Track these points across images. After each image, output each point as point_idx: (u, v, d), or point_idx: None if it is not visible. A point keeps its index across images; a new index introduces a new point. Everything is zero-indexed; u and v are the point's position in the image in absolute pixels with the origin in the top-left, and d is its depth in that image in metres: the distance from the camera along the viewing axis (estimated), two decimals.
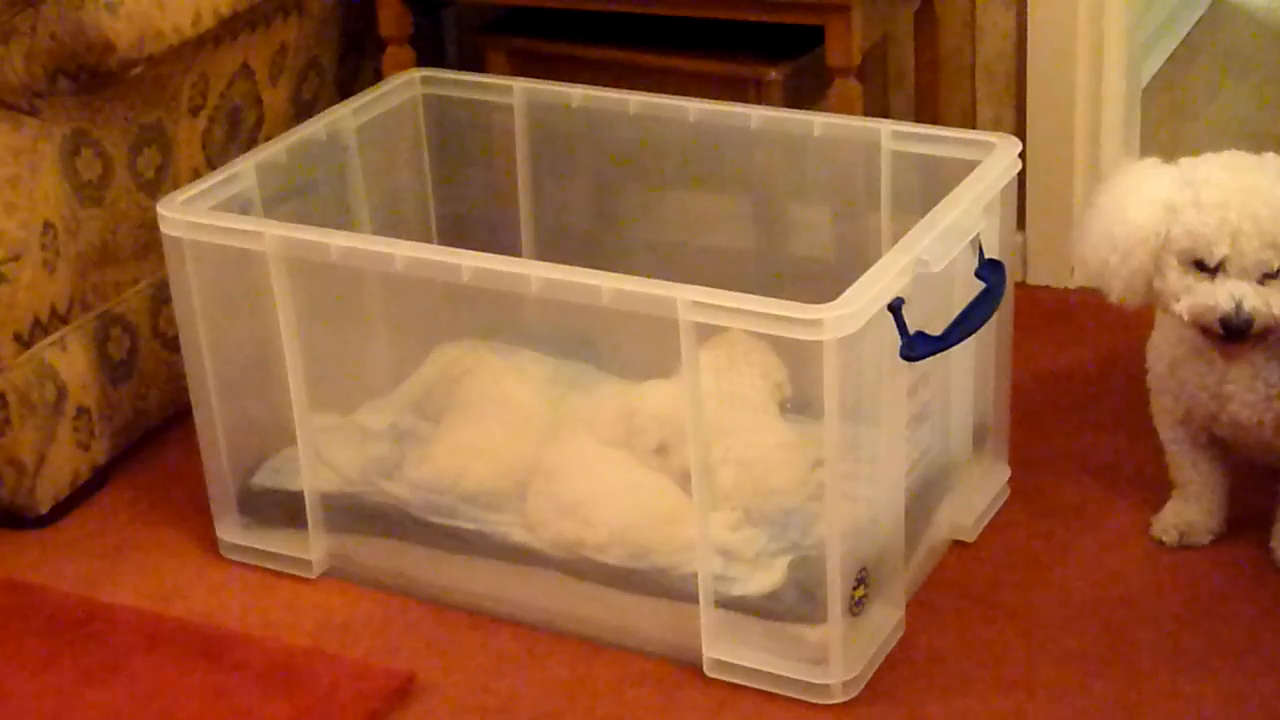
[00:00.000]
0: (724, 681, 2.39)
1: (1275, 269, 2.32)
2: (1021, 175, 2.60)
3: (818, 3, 2.84)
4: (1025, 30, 3.21)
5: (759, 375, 2.60)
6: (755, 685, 2.38)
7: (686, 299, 2.24)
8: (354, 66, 3.36)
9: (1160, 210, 2.37)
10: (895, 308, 2.24)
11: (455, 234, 3.01)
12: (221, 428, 2.65)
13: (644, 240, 3.07)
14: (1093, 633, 2.45)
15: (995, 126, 3.27)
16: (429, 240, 3.01)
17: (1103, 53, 3.20)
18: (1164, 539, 2.61)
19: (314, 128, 2.80)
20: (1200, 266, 2.35)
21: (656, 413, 2.55)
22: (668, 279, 2.28)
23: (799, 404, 2.60)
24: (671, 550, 2.45)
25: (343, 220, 2.85)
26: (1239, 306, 2.31)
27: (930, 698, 2.36)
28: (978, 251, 2.42)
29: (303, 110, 3.18)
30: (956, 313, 2.36)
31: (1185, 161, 2.42)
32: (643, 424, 2.57)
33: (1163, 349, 2.54)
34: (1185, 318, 2.36)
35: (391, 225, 2.90)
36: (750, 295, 2.22)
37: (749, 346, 2.56)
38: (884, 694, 2.36)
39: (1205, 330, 2.37)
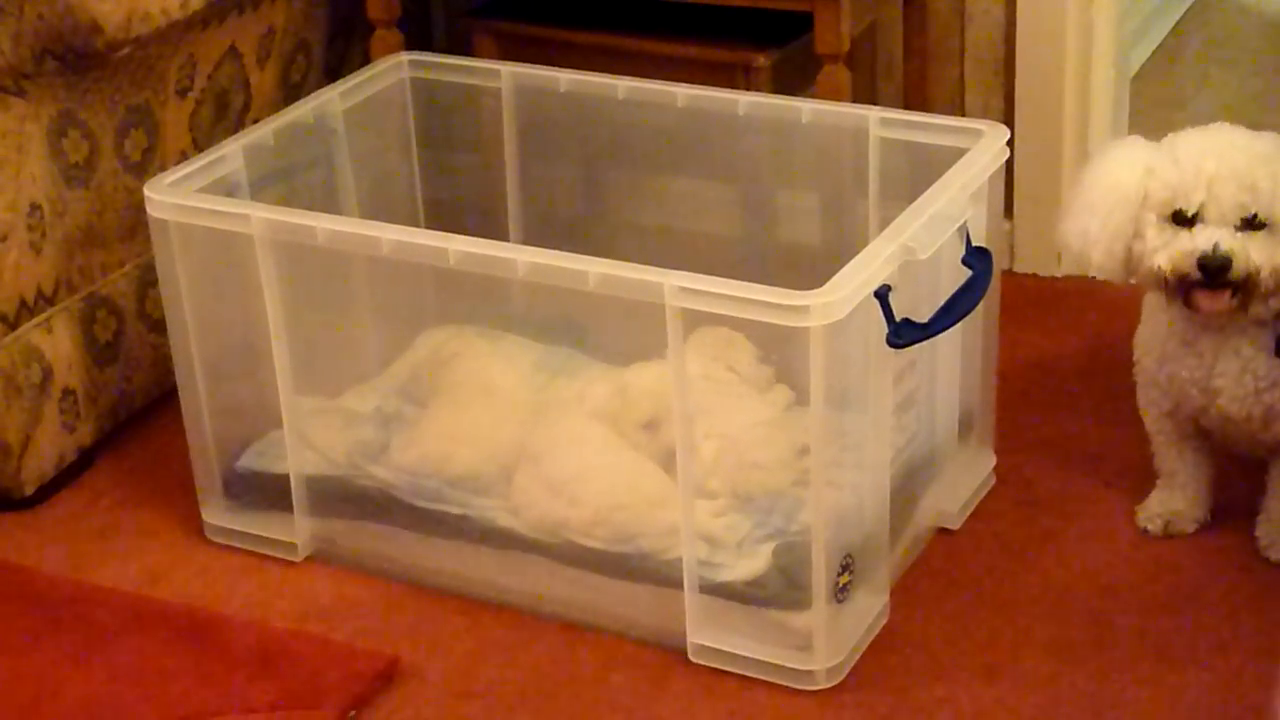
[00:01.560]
0: (708, 667, 2.40)
1: (1253, 215, 2.33)
2: (1009, 163, 2.60)
3: None
4: (1014, 18, 3.21)
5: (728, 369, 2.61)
6: (739, 671, 2.38)
7: (673, 284, 2.24)
8: (342, 49, 3.35)
9: (1140, 172, 2.40)
10: (882, 295, 2.24)
11: (442, 218, 3.00)
12: (207, 410, 2.65)
13: (631, 225, 3.07)
14: (1076, 621, 2.46)
15: (984, 114, 3.27)
16: (416, 224, 3.01)
17: (1092, 41, 3.20)
18: (1149, 528, 2.61)
19: (301, 110, 2.80)
20: (1179, 220, 2.36)
21: (650, 388, 2.55)
22: (655, 264, 2.28)
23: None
24: (656, 534, 2.45)
25: (330, 203, 2.85)
26: (1216, 246, 2.32)
27: (913, 684, 2.36)
28: (965, 239, 2.42)
29: (290, 93, 3.18)
30: (943, 300, 2.36)
31: (1167, 138, 2.45)
32: (636, 398, 2.57)
33: (1150, 343, 2.54)
34: (1165, 268, 2.36)
35: (378, 209, 2.89)
36: (737, 281, 2.22)
37: (726, 345, 2.57)
38: (867, 680, 2.37)
39: (1184, 282, 2.37)
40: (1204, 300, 2.38)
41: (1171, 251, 2.36)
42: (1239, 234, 2.33)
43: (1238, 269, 2.33)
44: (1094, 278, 3.28)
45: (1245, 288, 2.35)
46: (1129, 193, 2.40)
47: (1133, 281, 2.46)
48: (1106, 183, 2.42)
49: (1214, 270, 2.33)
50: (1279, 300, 2.38)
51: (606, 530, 2.47)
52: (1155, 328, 2.53)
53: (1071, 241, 2.47)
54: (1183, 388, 2.51)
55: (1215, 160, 2.34)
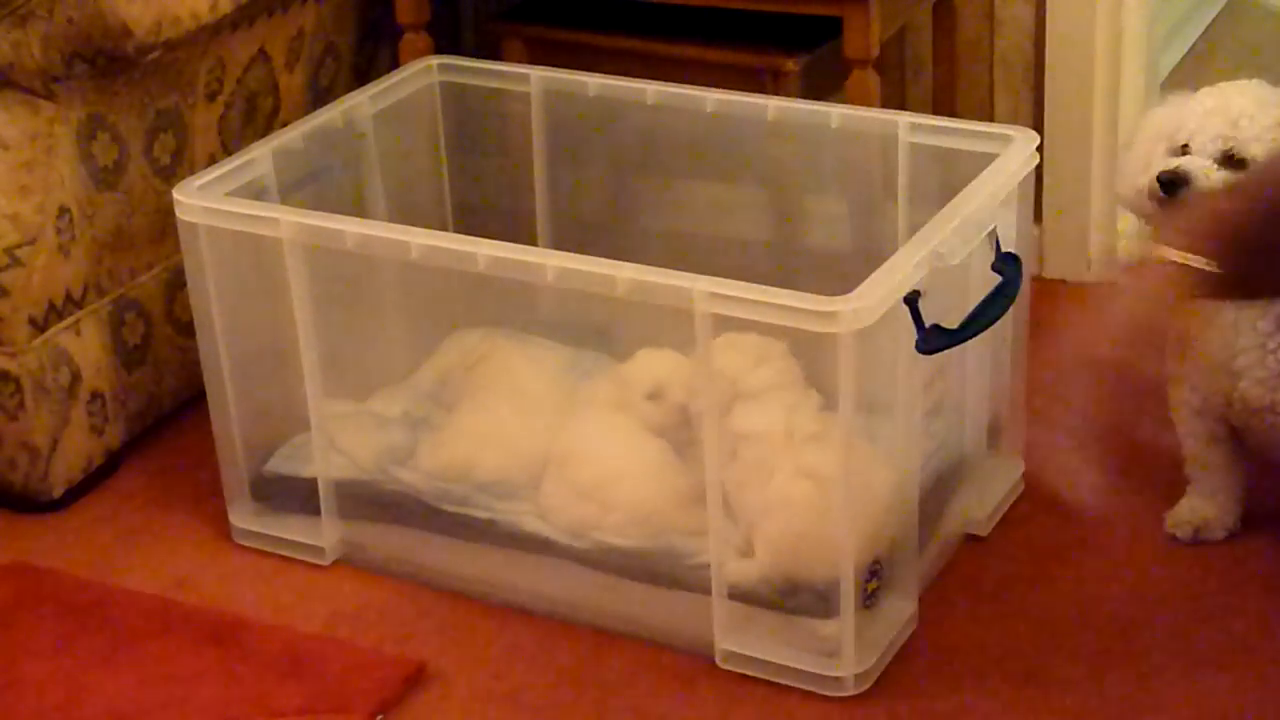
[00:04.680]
0: (736, 673, 2.39)
1: (1234, 153, 2.39)
2: (1039, 168, 2.59)
3: None
4: (1044, 23, 3.20)
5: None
6: (767, 677, 2.38)
7: (702, 290, 2.23)
8: (371, 53, 3.36)
9: (1169, 112, 2.49)
10: (912, 300, 2.23)
11: (471, 222, 3.01)
12: (235, 414, 2.65)
13: (660, 230, 3.07)
14: (1105, 628, 2.45)
15: (1013, 119, 3.26)
16: (444, 228, 3.01)
17: (1121, 46, 3.19)
18: (1178, 534, 2.60)
19: (330, 114, 2.80)
20: (1181, 154, 2.44)
21: (646, 363, 2.55)
22: (683, 269, 2.28)
23: None
24: (688, 533, 2.44)
25: (358, 207, 2.85)
26: (1179, 166, 2.40)
27: (942, 691, 2.35)
28: (994, 244, 2.42)
29: (319, 97, 3.18)
30: (973, 306, 2.35)
31: None
32: (633, 376, 2.56)
33: (1177, 332, 2.54)
34: (1143, 184, 2.44)
35: (407, 213, 2.89)
36: (766, 287, 2.22)
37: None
38: (895, 687, 2.36)
39: (1156, 199, 2.43)
40: (1160, 217, 2.44)
41: (1151, 171, 2.44)
42: (1216, 167, 2.40)
43: (1194, 192, 2.38)
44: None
45: None
46: (1154, 130, 2.49)
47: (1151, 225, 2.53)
48: (1145, 124, 2.52)
49: (1167, 184, 2.40)
50: None
51: (638, 530, 2.47)
52: (1185, 317, 2.53)
53: (1116, 181, 2.59)
54: (1208, 374, 2.50)
55: (1214, 98, 2.44)
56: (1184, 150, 2.42)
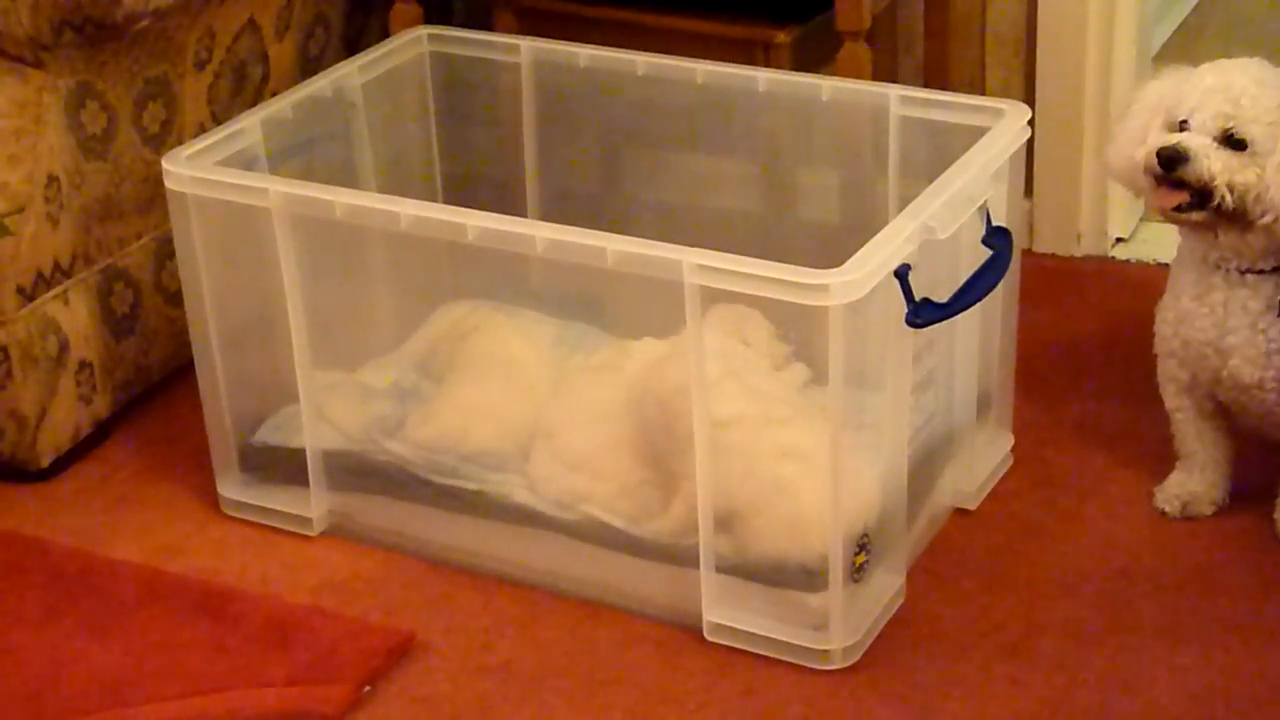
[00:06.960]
0: (724, 645, 2.39)
1: (1234, 132, 2.38)
2: (1030, 142, 2.59)
3: None
4: None
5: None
6: (755, 650, 2.38)
7: (692, 262, 2.23)
8: (361, 23, 3.35)
9: (1168, 85, 2.48)
10: (902, 274, 2.23)
11: (461, 193, 3.00)
12: (224, 384, 2.65)
13: (650, 202, 3.07)
14: (1093, 602, 2.45)
15: (1004, 93, 3.26)
16: (434, 199, 3.00)
17: (1113, 20, 3.19)
18: (1166, 509, 2.61)
19: (320, 84, 2.79)
20: (1180, 130, 2.43)
21: (651, 344, 2.56)
22: (673, 241, 2.28)
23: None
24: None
25: (348, 177, 2.84)
26: (1178, 142, 2.39)
27: (929, 665, 2.36)
28: (985, 218, 2.42)
29: (309, 66, 3.17)
30: (963, 280, 2.35)
31: None
32: (635, 349, 2.57)
33: (1169, 306, 2.54)
34: (1140, 159, 2.43)
35: (397, 183, 2.89)
36: (756, 259, 2.22)
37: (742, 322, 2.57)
38: (883, 660, 2.36)
39: (1151, 175, 2.43)
40: (1159, 195, 2.44)
41: (1149, 147, 2.43)
42: (1216, 146, 2.39)
43: (1193, 170, 2.38)
44: (1113, 258, 3.30)
45: (1203, 196, 2.40)
46: (1151, 102, 2.48)
47: (1140, 198, 2.54)
48: (1142, 96, 2.51)
49: (1167, 161, 2.39)
50: (1259, 239, 2.41)
51: (628, 502, 2.47)
52: (1174, 292, 2.53)
53: (1108, 151, 2.56)
54: (1198, 351, 2.51)
55: (1215, 75, 2.42)
56: (1182, 126, 2.41)
